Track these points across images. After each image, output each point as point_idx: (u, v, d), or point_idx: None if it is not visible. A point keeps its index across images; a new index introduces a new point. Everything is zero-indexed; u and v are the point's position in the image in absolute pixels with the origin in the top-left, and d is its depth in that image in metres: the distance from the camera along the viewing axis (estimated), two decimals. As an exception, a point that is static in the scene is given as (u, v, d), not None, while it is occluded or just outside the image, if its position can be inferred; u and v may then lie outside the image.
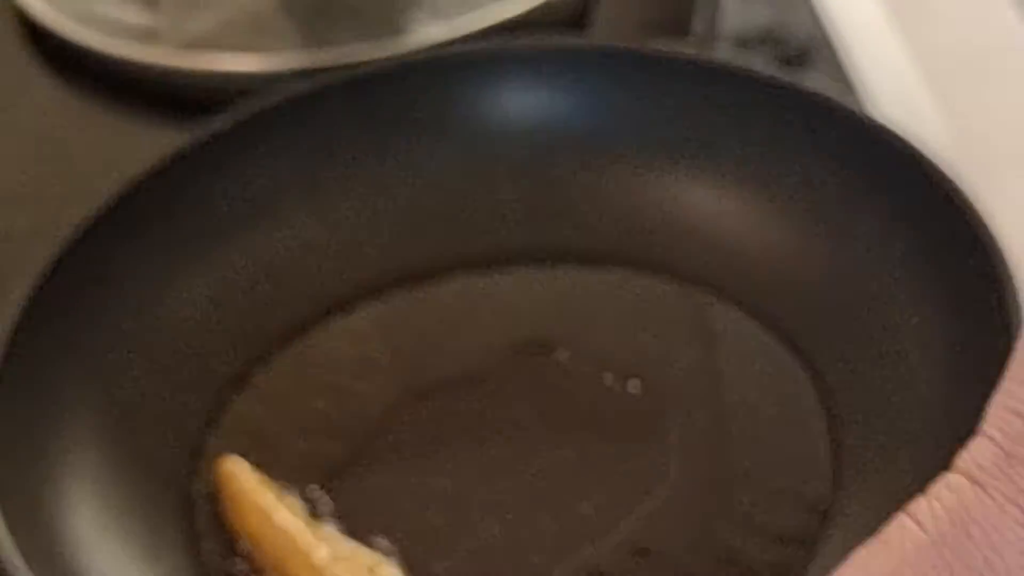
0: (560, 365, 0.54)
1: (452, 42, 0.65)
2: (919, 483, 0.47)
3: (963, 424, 0.46)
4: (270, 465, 0.50)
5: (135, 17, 0.70)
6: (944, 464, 0.47)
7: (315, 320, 0.56)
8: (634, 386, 0.53)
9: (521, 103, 0.59)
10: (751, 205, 0.57)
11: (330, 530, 0.49)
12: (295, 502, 0.49)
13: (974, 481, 0.30)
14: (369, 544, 0.48)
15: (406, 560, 0.48)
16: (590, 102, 0.59)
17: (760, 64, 0.57)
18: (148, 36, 0.69)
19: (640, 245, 0.58)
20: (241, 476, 0.49)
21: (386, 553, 0.48)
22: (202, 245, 0.56)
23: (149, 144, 0.65)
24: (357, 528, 0.49)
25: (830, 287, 0.54)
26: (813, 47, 0.67)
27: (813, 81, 0.65)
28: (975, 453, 0.30)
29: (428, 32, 0.66)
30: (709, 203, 0.57)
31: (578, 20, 0.62)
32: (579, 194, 0.59)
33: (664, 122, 0.58)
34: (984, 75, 0.67)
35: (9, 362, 0.49)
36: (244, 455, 0.51)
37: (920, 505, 0.31)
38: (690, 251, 0.57)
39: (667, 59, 0.57)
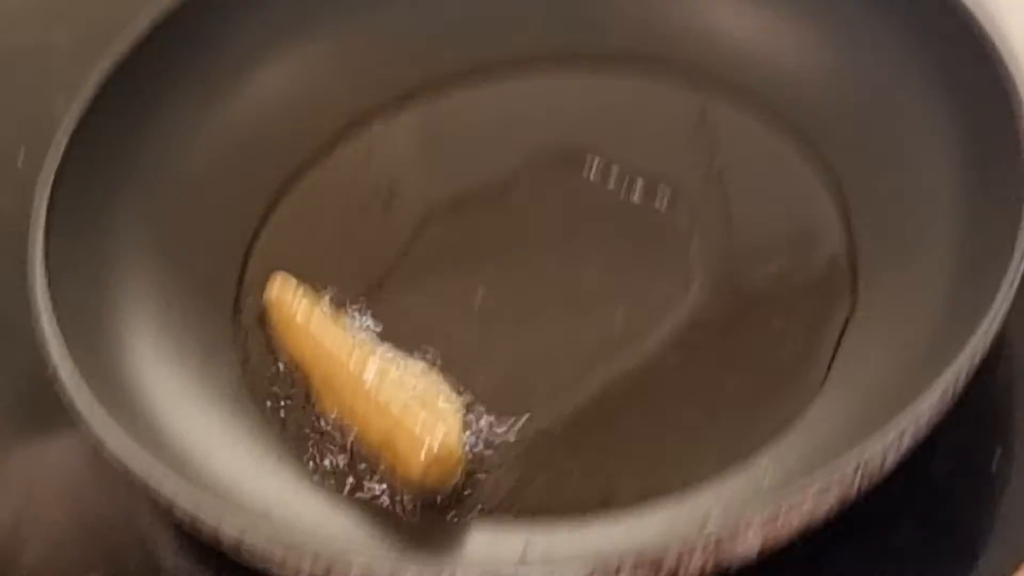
0: (588, 175, 0.56)
1: None
2: (933, 282, 0.49)
3: (974, 230, 0.49)
4: (311, 283, 0.52)
5: None
6: (956, 265, 0.48)
7: (340, 137, 0.58)
8: (662, 194, 0.55)
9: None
10: (764, 10, 0.58)
11: (377, 346, 0.50)
12: (341, 320, 0.51)
13: None
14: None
15: (448, 371, 0.50)
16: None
17: None
18: None
19: (655, 48, 0.59)
20: (291, 300, 0.51)
21: (429, 364, 0.50)
22: (233, 70, 0.58)
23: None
24: (398, 343, 0.51)
25: (845, 94, 0.55)
26: None
27: None
28: None
29: None
30: (724, 8, 0.58)
31: None
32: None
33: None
34: None
35: (62, 187, 0.51)
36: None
37: None
38: (706, 53, 0.58)
39: None
